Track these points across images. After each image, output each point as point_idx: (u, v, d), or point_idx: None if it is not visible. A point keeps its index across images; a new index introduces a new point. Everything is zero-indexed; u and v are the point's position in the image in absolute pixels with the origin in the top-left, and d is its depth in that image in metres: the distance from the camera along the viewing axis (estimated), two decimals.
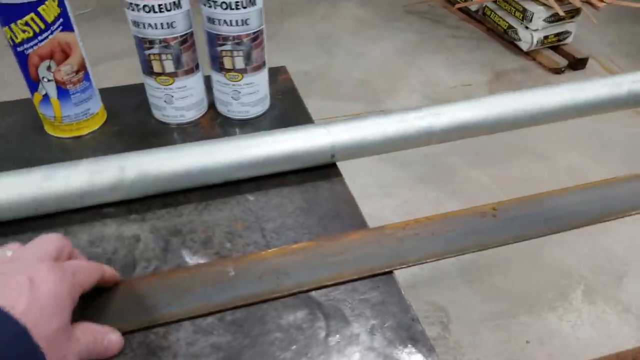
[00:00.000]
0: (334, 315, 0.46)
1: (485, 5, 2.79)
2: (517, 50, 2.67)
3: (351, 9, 3.13)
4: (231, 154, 0.56)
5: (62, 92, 0.61)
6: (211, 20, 0.61)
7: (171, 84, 0.64)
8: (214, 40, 0.62)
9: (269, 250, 0.51)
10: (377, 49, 2.74)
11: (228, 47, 0.62)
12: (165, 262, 0.50)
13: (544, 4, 2.45)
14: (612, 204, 0.57)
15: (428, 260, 0.51)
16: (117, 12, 3.04)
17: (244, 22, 0.60)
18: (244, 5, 0.59)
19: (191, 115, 0.68)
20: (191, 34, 0.62)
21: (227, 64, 0.63)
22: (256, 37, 0.63)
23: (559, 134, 2.26)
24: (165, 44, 0.60)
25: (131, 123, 0.69)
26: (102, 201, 0.54)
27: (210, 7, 0.59)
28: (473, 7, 2.90)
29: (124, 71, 2.50)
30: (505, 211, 0.56)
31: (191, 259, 0.50)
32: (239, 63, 0.63)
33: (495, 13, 2.72)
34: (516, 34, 2.60)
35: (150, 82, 0.64)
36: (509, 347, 1.51)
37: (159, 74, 0.63)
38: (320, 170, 0.61)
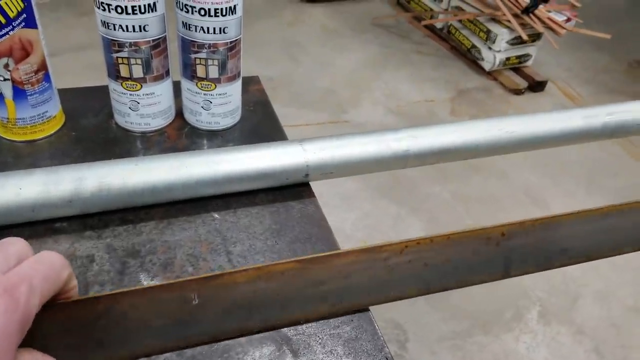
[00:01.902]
0: (303, 351, 0.43)
1: (451, 24, 2.84)
2: (480, 69, 2.73)
3: (319, 17, 3.12)
4: (200, 168, 0.53)
5: (19, 92, 0.56)
6: (187, 26, 0.57)
7: (138, 89, 0.60)
8: (188, 47, 0.58)
9: (243, 272, 0.47)
10: (343, 59, 2.74)
11: (203, 55, 0.58)
12: (121, 287, 0.45)
13: (507, 27, 2.51)
14: (616, 237, 0.56)
15: (406, 297, 0.49)
16: (78, 4, 2.92)
17: (222, 30, 0.57)
18: (224, 13, 0.56)
19: (157, 123, 0.63)
20: (164, 38, 0.58)
21: (200, 72, 0.60)
22: (233, 46, 0.59)
23: (517, 153, 2.32)
24: (135, 47, 0.56)
25: (91, 128, 0.64)
26: (56, 215, 0.49)
27: (187, 12, 0.56)
28: (438, 25, 2.95)
29: (81, 65, 2.40)
30: (511, 238, 0.51)
31: (149, 284, 0.46)
32: (213, 72, 0.60)
33: (459, 32, 2.77)
34: (479, 53, 2.66)
35: (115, 87, 0.60)
36: None
37: (126, 79, 0.59)
38: (293, 190, 0.59)
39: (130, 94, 0.60)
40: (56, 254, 0.33)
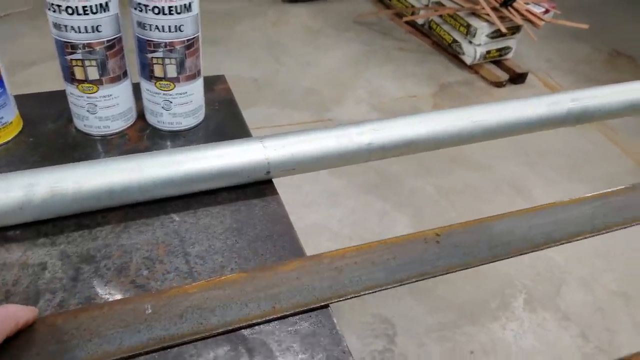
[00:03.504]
0: (259, 350, 0.43)
1: (432, 20, 2.84)
2: (461, 63, 2.73)
3: (302, 17, 3.11)
4: (157, 169, 0.52)
5: None
6: (142, 25, 0.56)
7: (95, 92, 0.59)
8: (145, 46, 0.58)
9: (194, 284, 0.47)
10: (326, 58, 2.73)
11: (159, 54, 0.58)
12: (73, 294, 0.45)
13: (487, 21, 2.51)
14: (558, 229, 0.56)
15: (367, 292, 0.49)
16: None
17: (178, 28, 0.56)
18: (178, 10, 0.55)
19: (117, 126, 0.63)
20: (119, 39, 0.58)
21: (158, 72, 0.59)
22: (190, 44, 0.59)
23: (498, 144, 2.32)
24: (89, 49, 0.55)
25: (49, 134, 0.63)
26: (7, 223, 0.48)
27: (141, 11, 0.55)
28: (419, 21, 2.95)
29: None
30: (449, 237, 0.54)
31: (103, 290, 0.46)
32: (171, 71, 0.59)
33: (440, 27, 2.77)
34: (460, 48, 2.66)
35: (71, 90, 0.59)
36: (454, 357, 1.52)
37: (82, 81, 0.58)
38: (255, 187, 0.58)
39: (88, 97, 0.59)
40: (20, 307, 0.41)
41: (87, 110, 0.60)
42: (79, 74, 0.57)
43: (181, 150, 0.54)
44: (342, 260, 0.51)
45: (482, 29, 2.52)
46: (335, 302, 0.47)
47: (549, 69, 2.85)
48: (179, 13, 0.55)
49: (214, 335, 0.43)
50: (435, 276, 0.51)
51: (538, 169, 2.20)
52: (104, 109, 0.60)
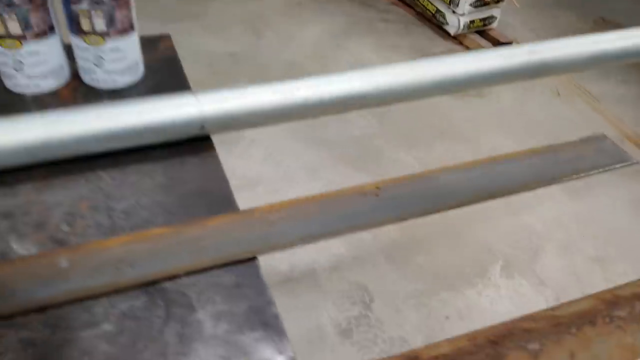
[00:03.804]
0: (177, 302, 0.41)
1: None
2: (445, 34, 2.69)
3: None
4: (79, 125, 0.50)
5: None
6: None
7: (19, 48, 0.56)
8: None
9: (115, 238, 0.45)
10: (307, 31, 2.68)
11: (84, 5, 0.55)
12: None
13: None
14: (501, 181, 0.55)
15: (298, 245, 0.47)
16: None
17: None
18: None
19: (48, 84, 0.60)
20: None
21: (85, 25, 0.56)
22: None
23: (483, 116, 2.30)
24: (7, 1, 0.53)
25: None
26: None
27: None
28: None
29: None
30: (388, 190, 0.53)
31: (18, 245, 0.44)
32: (99, 25, 0.57)
33: None
34: (444, 18, 2.62)
35: None
36: (430, 323, 1.53)
37: (3, 37, 0.55)
38: (192, 144, 0.56)
39: (13, 53, 0.56)
40: None
41: (14, 68, 0.58)
42: (0, 29, 0.54)
43: (108, 105, 0.52)
44: (274, 214, 0.49)
45: None
46: (263, 254, 0.46)
47: (533, 38, 2.81)
48: None
49: (131, 288, 0.42)
50: (370, 228, 0.49)
51: (522, 139, 2.18)
52: (31, 66, 0.58)
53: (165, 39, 0.72)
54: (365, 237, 1.75)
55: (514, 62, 0.65)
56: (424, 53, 2.59)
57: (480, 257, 1.72)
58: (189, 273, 0.43)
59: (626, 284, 0.45)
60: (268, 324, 0.40)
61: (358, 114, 2.20)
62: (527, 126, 2.24)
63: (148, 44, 0.70)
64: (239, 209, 0.49)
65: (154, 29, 2.50)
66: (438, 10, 2.64)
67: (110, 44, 0.58)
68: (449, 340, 0.38)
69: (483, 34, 2.67)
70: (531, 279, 1.65)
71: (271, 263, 1.61)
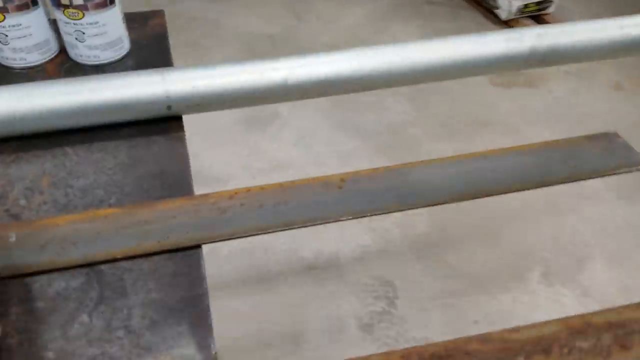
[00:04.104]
0: (112, 285, 0.40)
1: None
2: (496, 19, 2.56)
3: None
4: (47, 99, 0.49)
5: None
6: None
7: (1, 21, 0.56)
8: None
9: (65, 216, 0.45)
10: (349, 14, 2.63)
11: None
12: None
13: None
14: (478, 181, 0.50)
15: (246, 235, 0.45)
16: None
17: None
18: None
19: (33, 58, 0.60)
20: None
21: None
22: None
23: (531, 108, 2.18)
24: None
25: None
26: None
27: None
28: None
29: None
30: (354, 182, 0.49)
31: None
32: None
33: None
34: (494, 1, 2.49)
35: None
36: (456, 326, 1.46)
37: None
38: (161, 124, 0.55)
39: None
40: None
41: (0, 41, 0.58)
42: None
43: (74, 81, 0.51)
44: (228, 201, 0.47)
45: None
46: (208, 243, 0.44)
47: None
48: None
49: (71, 268, 0.41)
50: (325, 222, 0.46)
51: (573, 133, 2.05)
52: (16, 39, 0.58)
53: (157, 15, 0.71)
54: (393, 229, 1.70)
55: (518, 46, 0.59)
56: None
57: (519, 261, 1.62)
58: (130, 257, 0.42)
59: (606, 310, 0.40)
60: (196, 317, 0.39)
61: (394, 99, 2.13)
62: (580, 120, 2.10)
63: (140, 19, 0.70)
64: (193, 192, 0.48)
65: (194, 8, 2.53)
66: None
67: (89, 17, 0.57)
68: (382, 355, 0.34)
69: (538, 19, 2.52)
70: (574, 288, 1.53)
71: (295, 249, 1.60)
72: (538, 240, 1.67)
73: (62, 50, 0.63)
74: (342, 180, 0.49)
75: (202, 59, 2.25)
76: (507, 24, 2.52)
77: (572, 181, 0.50)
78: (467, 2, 2.72)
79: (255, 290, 1.50)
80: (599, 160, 0.51)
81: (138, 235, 0.43)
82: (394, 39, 2.46)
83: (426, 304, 1.52)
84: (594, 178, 0.50)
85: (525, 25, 2.48)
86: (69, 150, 0.51)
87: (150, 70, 0.53)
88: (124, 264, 0.42)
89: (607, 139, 0.54)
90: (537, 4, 2.46)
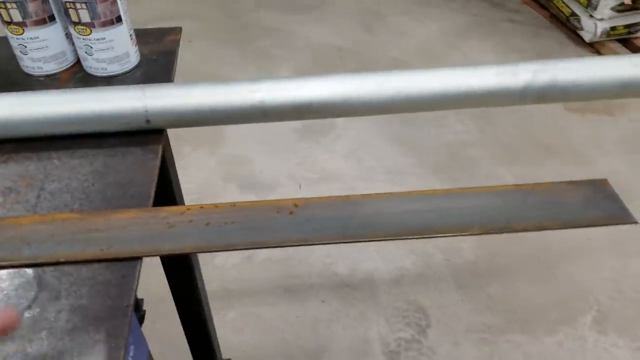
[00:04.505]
0: (48, 287, 0.43)
1: None
2: (580, 40, 2.41)
3: None
4: (36, 108, 0.54)
5: None
6: None
7: (21, 34, 0.62)
8: None
9: (29, 217, 0.49)
10: (422, 29, 2.59)
11: None
12: None
13: None
14: (430, 219, 0.48)
15: (186, 252, 0.46)
16: None
17: None
18: None
19: (50, 68, 0.66)
20: None
21: (74, 16, 0.61)
22: None
23: (607, 136, 2.03)
24: None
25: (1, 72, 0.68)
26: None
27: None
28: None
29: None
30: (307, 209, 0.49)
31: None
32: (85, 16, 0.61)
33: None
34: (579, 22, 2.34)
35: (5, 31, 0.63)
36: None
37: (9, 23, 0.62)
38: (142, 136, 0.58)
39: (17, 38, 0.63)
40: None
41: (20, 51, 0.64)
42: (5, 15, 0.61)
43: (63, 92, 0.55)
44: (179, 216, 0.49)
45: (606, 1, 2.18)
46: (145, 256, 0.46)
47: None
48: None
49: (20, 266, 0.45)
50: (268, 247, 0.47)
51: None
52: (34, 50, 0.64)
53: (173, 31, 0.75)
54: (435, 254, 1.65)
55: (511, 82, 0.56)
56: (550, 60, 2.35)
57: (570, 301, 1.50)
58: (73, 262, 0.45)
59: None
60: (115, 327, 0.41)
61: (456, 117, 2.07)
62: None
63: (157, 35, 0.74)
64: (149, 205, 0.50)
65: (270, 18, 2.61)
66: (573, 13, 2.38)
67: (96, 34, 0.62)
68: None
69: (627, 42, 2.34)
70: (631, 340, 1.39)
71: (330, 263, 1.60)
72: (595, 281, 1.55)
73: (79, 61, 0.68)
74: (296, 206, 0.49)
75: (270, 69, 2.32)
76: (592, 46, 2.37)
77: (539, 230, 0.46)
78: (551, 22, 2.59)
79: (284, 300, 1.51)
80: (574, 210, 0.47)
81: (85, 242, 0.46)
82: (466, 57, 2.40)
83: (460, 337, 1.45)
84: (563, 229, 0.46)
85: (611, 49, 2.32)
86: (54, 155, 0.56)
87: (133, 86, 0.56)
88: (66, 268, 0.45)
89: (593, 187, 0.49)
90: (627, 26, 2.29)
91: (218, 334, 1.16)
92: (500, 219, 0.47)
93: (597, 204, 0.48)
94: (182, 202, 0.85)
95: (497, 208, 0.48)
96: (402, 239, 0.46)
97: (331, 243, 0.46)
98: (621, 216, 0.47)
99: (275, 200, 0.50)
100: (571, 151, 1.96)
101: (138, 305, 1.05)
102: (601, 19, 2.25)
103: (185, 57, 2.30)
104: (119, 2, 0.62)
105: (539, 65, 0.57)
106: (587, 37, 2.33)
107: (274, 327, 1.45)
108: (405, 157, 1.95)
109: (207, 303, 1.09)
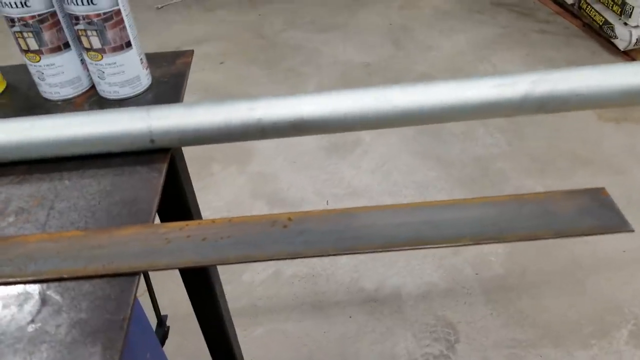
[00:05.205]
0: (51, 302, 0.45)
1: None
2: (614, 49, 2.35)
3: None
4: (46, 131, 0.57)
5: None
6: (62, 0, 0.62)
7: (38, 61, 0.66)
8: (70, 19, 0.63)
9: (37, 234, 0.51)
10: (449, 42, 2.58)
11: (81, 26, 0.62)
12: None
13: None
14: (427, 230, 0.48)
15: (182, 267, 0.48)
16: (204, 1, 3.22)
17: (90, 1, 0.60)
18: None
19: (66, 92, 0.69)
20: (52, 13, 0.64)
21: (85, 43, 0.64)
22: (109, 17, 0.62)
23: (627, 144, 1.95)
24: (23, 22, 0.63)
25: (23, 97, 0.72)
26: None
27: None
28: (568, 0, 2.60)
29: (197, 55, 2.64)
30: (301, 222, 0.50)
31: None
32: (96, 43, 0.64)
33: (591, 7, 2.41)
34: (612, 30, 2.28)
35: (24, 59, 0.67)
36: None
37: (26, 51, 0.65)
38: (148, 156, 0.60)
39: (34, 66, 0.66)
40: None
41: (38, 78, 0.68)
42: (22, 44, 0.65)
43: (72, 116, 0.58)
44: (178, 232, 0.50)
45: None
46: (143, 270, 0.47)
47: None
48: None
49: (25, 282, 0.47)
50: (260, 261, 0.47)
51: None
52: (51, 76, 0.67)
53: (186, 54, 0.77)
54: (465, 268, 1.62)
55: (510, 93, 0.56)
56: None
57: (604, 315, 1.45)
58: (75, 278, 0.47)
59: None
60: (110, 340, 0.42)
61: (485, 130, 2.04)
62: None
63: (170, 58, 0.77)
64: (151, 221, 0.52)
65: (299, 37, 2.66)
66: (606, 22, 2.32)
67: (107, 59, 0.65)
68: None
69: None
70: None
71: (357, 278, 1.59)
72: (631, 294, 1.49)
73: (93, 85, 0.72)
74: (290, 220, 0.50)
75: (298, 86, 2.35)
76: (627, 54, 2.30)
77: (532, 239, 0.45)
78: (584, 31, 2.53)
79: (310, 316, 1.51)
80: (569, 219, 0.46)
81: (88, 258, 0.48)
82: (494, 68, 2.37)
83: (489, 353, 1.42)
84: (557, 238, 0.45)
85: None
86: (65, 175, 0.58)
87: (138, 108, 0.58)
88: (69, 283, 0.47)
89: (589, 196, 0.48)
90: None
91: (245, 351, 1.17)
92: (493, 229, 0.46)
93: (594, 213, 0.47)
94: (198, 217, 0.87)
95: (491, 218, 0.47)
96: (394, 251, 0.46)
97: (323, 255, 0.47)
98: (618, 225, 0.46)
99: (271, 214, 0.51)
100: (605, 162, 1.90)
101: (162, 321, 1.06)
102: (636, 27, 2.18)
103: (216, 78, 2.36)
104: (128, 28, 0.65)
105: (539, 75, 0.56)
106: (621, 45, 2.26)
107: (301, 344, 1.45)
108: (432, 171, 1.93)
109: (230, 318, 1.10)
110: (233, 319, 1.13)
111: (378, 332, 1.47)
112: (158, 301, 0.98)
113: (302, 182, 1.92)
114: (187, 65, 0.76)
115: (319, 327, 1.49)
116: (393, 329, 1.48)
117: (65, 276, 0.47)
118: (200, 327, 1.06)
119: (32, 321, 0.44)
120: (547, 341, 1.42)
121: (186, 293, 0.96)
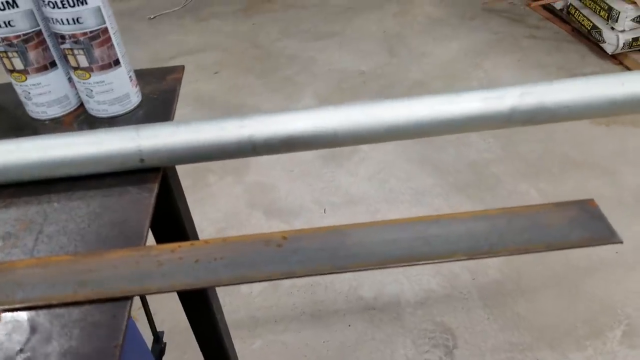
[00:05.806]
0: (40, 330, 0.44)
1: (570, 3, 2.49)
2: (602, 53, 2.36)
3: (424, 7, 2.98)
4: (33, 153, 0.56)
5: None
6: (46, 19, 0.61)
7: (24, 81, 0.65)
8: (57, 38, 0.62)
9: (24, 260, 0.50)
10: (442, 49, 2.58)
11: (67, 45, 0.62)
12: None
13: (633, 2, 2.13)
14: (420, 246, 0.47)
15: (173, 290, 0.47)
16: (196, 11, 3.22)
17: (76, 20, 0.60)
18: (72, 4, 0.58)
19: (53, 111, 0.68)
20: (37, 32, 0.63)
21: (72, 61, 0.63)
22: (96, 35, 0.61)
23: (634, 147, 1.96)
24: (8, 42, 0.62)
25: (10, 116, 0.71)
26: None
27: (44, 6, 0.60)
28: (557, 5, 2.61)
29: (192, 66, 2.63)
30: (294, 241, 0.49)
31: None
32: (83, 61, 0.63)
33: (579, 12, 2.42)
34: (600, 35, 2.30)
35: (10, 78, 0.66)
36: None
37: (12, 71, 0.65)
38: (138, 175, 0.59)
39: (20, 85, 0.66)
40: None
41: (24, 97, 0.67)
42: (7, 64, 0.64)
43: (60, 136, 0.57)
44: (169, 254, 0.49)
45: (626, 12, 2.14)
46: (136, 295, 0.46)
47: None
48: (72, 6, 0.58)
49: (13, 310, 0.46)
50: (254, 282, 0.46)
51: None
52: (37, 95, 0.66)
53: (177, 70, 0.77)
54: (462, 274, 1.62)
55: (497, 106, 0.55)
56: (572, 73, 2.31)
57: (598, 317, 1.46)
58: (64, 304, 0.46)
59: None
60: None
61: (479, 136, 2.04)
62: None
63: (159, 74, 0.76)
64: (142, 243, 0.51)
65: (293, 47, 2.67)
66: (594, 27, 2.33)
67: (95, 77, 0.64)
68: None
69: None
70: None
71: (355, 287, 1.59)
72: (623, 295, 1.50)
73: (82, 104, 0.71)
74: (284, 238, 0.49)
75: (294, 96, 2.35)
76: (615, 58, 2.31)
77: (523, 253, 0.45)
78: (573, 35, 2.54)
79: (310, 326, 1.50)
80: (559, 231, 0.46)
81: (77, 284, 0.47)
82: (487, 75, 2.38)
83: (487, 357, 1.42)
84: (548, 251, 0.45)
85: (634, 60, 2.26)
86: (53, 197, 0.57)
87: (127, 127, 0.57)
88: (58, 310, 0.46)
89: (579, 208, 0.48)
90: None
91: None
92: (485, 243, 0.46)
93: (583, 225, 0.46)
94: (194, 235, 0.86)
95: (483, 233, 0.47)
96: (387, 268, 0.46)
97: (317, 274, 0.46)
98: (606, 236, 0.46)
99: (264, 233, 0.50)
100: (596, 164, 1.91)
101: (158, 338, 1.05)
102: (622, 31, 2.20)
103: (211, 88, 2.35)
104: (116, 46, 0.64)
105: (527, 87, 0.56)
106: (609, 49, 2.28)
107: (301, 355, 1.44)
108: (428, 177, 1.93)
109: (228, 333, 1.09)
110: (231, 331, 1.12)
111: (378, 340, 1.47)
112: (156, 315, 0.97)
113: (300, 191, 1.92)
114: (178, 81, 0.75)
115: (319, 336, 1.48)
116: (392, 336, 1.48)
117: (54, 303, 0.46)
118: (198, 343, 1.05)
119: (21, 350, 0.43)
120: (544, 344, 1.43)
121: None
